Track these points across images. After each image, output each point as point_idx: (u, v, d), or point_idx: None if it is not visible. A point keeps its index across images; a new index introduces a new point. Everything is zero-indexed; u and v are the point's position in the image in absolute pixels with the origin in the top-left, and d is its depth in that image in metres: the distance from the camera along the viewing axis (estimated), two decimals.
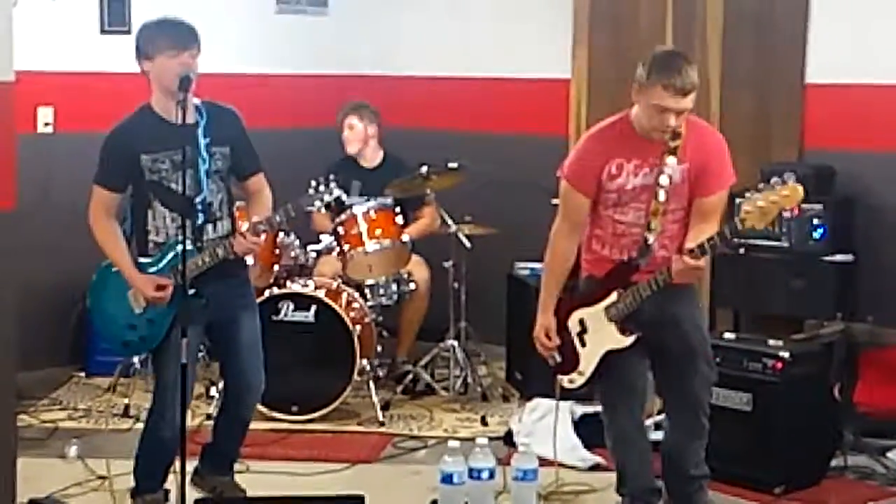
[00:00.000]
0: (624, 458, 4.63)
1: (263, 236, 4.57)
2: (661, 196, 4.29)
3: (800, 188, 4.00)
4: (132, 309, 4.55)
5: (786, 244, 5.89)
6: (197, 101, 4.53)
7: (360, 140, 6.82)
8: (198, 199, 4.47)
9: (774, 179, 3.95)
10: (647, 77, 4.21)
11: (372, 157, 6.87)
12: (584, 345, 4.45)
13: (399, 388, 6.38)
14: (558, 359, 4.52)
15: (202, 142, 4.47)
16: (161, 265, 4.51)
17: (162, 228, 4.51)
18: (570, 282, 4.51)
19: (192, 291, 4.33)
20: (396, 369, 6.64)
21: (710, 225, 4.26)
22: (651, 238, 4.30)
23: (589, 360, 4.44)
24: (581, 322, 4.45)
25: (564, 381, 4.54)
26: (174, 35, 4.42)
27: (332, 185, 4.50)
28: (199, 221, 4.50)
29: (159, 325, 4.51)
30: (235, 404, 4.78)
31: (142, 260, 4.55)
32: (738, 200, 4.06)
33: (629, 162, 4.33)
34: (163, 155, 4.43)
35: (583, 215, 4.46)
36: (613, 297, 4.35)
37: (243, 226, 4.61)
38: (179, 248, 4.29)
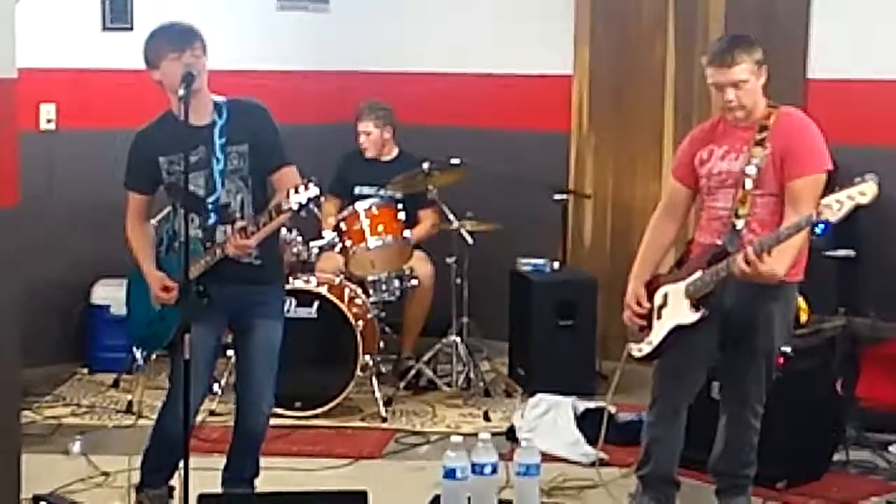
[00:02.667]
0: (653, 438, 4.68)
1: (254, 238, 4.41)
2: (748, 184, 4.40)
3: (875, 186, 4.04)
4: (152, 306, 4.60)
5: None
6: (220, 99, 4.51)
7: (377, 146, 6.83)
8: (210, 199, 4.46)
9: (856, 179, 4.04)
10: (704, 63, 4.48)
11: (386, 154, 6.88)
12: (659, 317, 4.57)
13: (402, 384, 6.39)
14: (636, 328, 4.64)
15: (217, 141, 4.45)
16: (175, 263, 4.53)
17: (185, 228, 4.50)
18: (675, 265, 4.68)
19: (201, 289, 4.40)
20: (400, 365, 6.65)
21: (796, 213, 4.28)
22: (739, 224, 4.40)
23: (658, 332, 4.55)
24: (665, 296, 4.57)
25: (634, 349, 4.66)
26: (171, 38, 4.41)
27: (311, 184, 4.38)
28: (211, 221, 4.48)
29: (169, 323, 4.53)
30: (243, 417, 4.72)
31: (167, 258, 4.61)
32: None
33: (719, 147, 4.52)
34: (178, 157, 4.40)
35: (675, 200, 4.69)
36: (697, 275, 4.45)
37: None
38: (191, 246, 4.30)
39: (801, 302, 5.04)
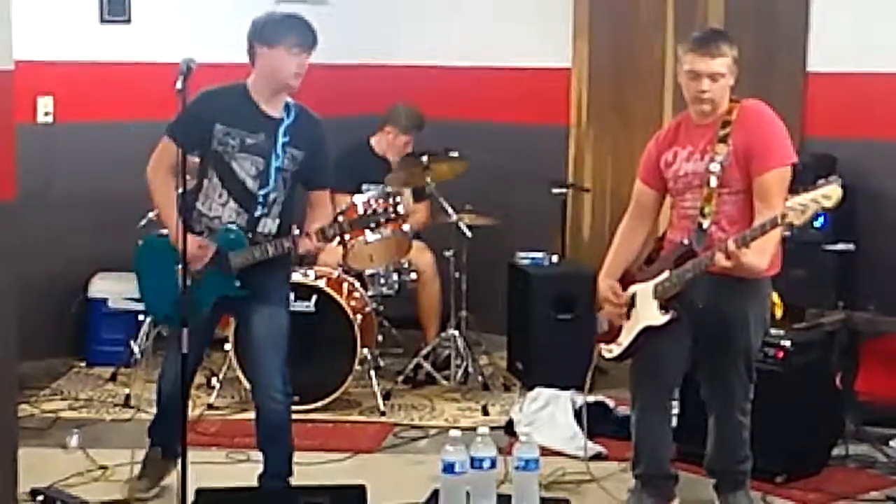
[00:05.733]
0: (640, 438, 4.68)
1: (325, 243, 4.62)
2: (713, 182, 4.38)
3: (839, 190, 4.02)
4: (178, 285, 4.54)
5: (786, 233, 5.87)
6: (290, 100, 4.58)
7: (402, 154, 6.81)
8: (262, 192, 4.51)
9: (820, 182, 4.02)
10: (681, 49, 4.46)
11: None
12: (628, 318, 4.55)
13: (400, 378, 6.38)
14: (605, 327, 4.62)
15: (281, 139, 4.51)
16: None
17: (214, 201, 4.52)
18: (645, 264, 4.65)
19: (237, 284, 4.51)
20: (437, 356, 6.55)
21: (768, 207, 4.27)
22: (705, 223, 4.38)
23: (628, 333, 4.54)
24: (633, 297, 4.54)
25: (604, 350, 4.65)
26: (304, 36, 4.51)
27: (398, 201, 4.73)
28: (258, 213, 4.52)
29: (198, 306, 4.48)
30: (259, 405, 4.72)
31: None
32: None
33: (683, 149, 4.50)
34: (235, 131, 4.46)
35: (643, 204, 4.65)
36: (665, 275, 4.43)
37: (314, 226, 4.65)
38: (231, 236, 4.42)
39: (775, 297, 5.01)
